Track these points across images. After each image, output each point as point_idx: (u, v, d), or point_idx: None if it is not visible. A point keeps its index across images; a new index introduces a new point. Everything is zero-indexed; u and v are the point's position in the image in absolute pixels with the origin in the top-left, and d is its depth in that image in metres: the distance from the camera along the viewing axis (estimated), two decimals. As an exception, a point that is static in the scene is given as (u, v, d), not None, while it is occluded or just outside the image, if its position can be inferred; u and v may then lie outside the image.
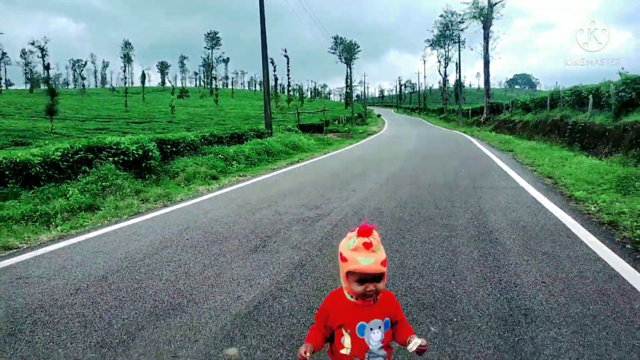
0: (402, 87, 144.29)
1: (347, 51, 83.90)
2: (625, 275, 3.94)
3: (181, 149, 13.31)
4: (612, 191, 7.68)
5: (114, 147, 10.11)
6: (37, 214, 7.17)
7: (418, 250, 4.80)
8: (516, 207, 6.78)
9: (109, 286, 3.99)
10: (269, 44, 20.61)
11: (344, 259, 1.60)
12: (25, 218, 7.01)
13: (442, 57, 72.27)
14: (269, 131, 20.28)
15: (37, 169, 8.77)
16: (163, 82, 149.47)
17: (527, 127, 24.78)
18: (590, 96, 17.00)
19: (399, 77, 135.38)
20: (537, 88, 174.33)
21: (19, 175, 8.62)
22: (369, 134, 34.75)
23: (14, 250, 5.35)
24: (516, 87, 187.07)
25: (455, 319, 3.18)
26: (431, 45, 71.75)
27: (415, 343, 1.62)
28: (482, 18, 40.07)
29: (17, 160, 8.68)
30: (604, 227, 5.59)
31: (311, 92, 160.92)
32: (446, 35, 66.43)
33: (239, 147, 15.64)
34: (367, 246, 1.54)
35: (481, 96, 57.42)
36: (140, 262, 4.63)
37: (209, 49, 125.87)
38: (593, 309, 3.28)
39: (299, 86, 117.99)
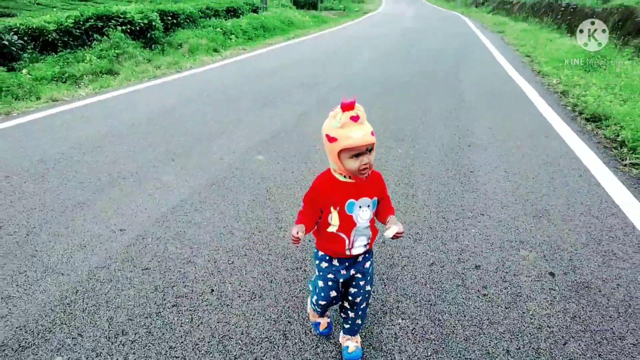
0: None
1: None
2: (557, 126, 5.12)
3: (181, 21, 13.69)
4: (578, 68, 8.64)
5: (121, 16, 10.63)
6: (66, 75, 8.07)
7: (399, 106, 5.93)
8: (488, 78, 7.83)
9: (155, 124, 5.13)
10: None
11: (332, 139, 1.53)
12: (55, 79, 7.92)
13: None
14: (264, 6, 20.25)
15: (53, 35, 9.41)
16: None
17: (523, 8, 24.65)
18: (586, -23, 17.00)
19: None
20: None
21: (36, 42, 9.30)
22: (365, 13, 34.07)
23: (61, 102, 6.37)
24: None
25: (417, 146, 4.40)
26: None
27: (392, 229, 1.62)
28: None
29: (34, 26, 9.29)
30: (556, 95, 6.68)
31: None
32: None
33: (235, 21, 15.94)
34: (355, 119, 1.49)
35: (483, -26, 54.57)
36: (174, 111, 5.74)
37: None
38: (521, 144, 4.50)
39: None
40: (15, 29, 8.82)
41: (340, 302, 1.87)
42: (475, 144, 4.48)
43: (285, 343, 1.95)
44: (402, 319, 2.10)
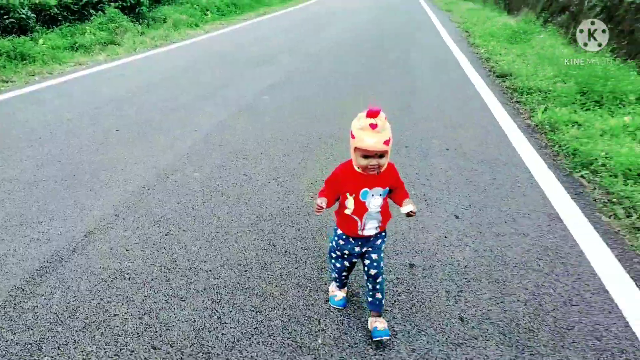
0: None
1: None
2: (475, 80, 7.04)
3: (160, -1, 14.94)
4: (504, 40, 10.66)
5: (114, -6, 11.90)
6: (77, 45, 9.43)
7: (360, 69, 7.76)
8: (431, 46, 9.77)
9: (178, 78, 6.77)
10: None
11: (353, 136, 1.75)
12: (67, 48, 9.27)
13: None
14: (233, -17, 21.46)
15: (55, 10, 10.64)
16: None
17: (473, -12, 26.75)
18: (524, -38, 19.07)
19: None
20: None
21: (38, 16, 10.50)
22: (326, -9, 35.52)
23: (85, 66, 7.83)
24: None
25: (374, 95, 6.24)
26: None
27: (407, 207, 1.88)
28: None
29: (37, 1, 10.49)
30: (480, 61, 8.65)
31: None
32: None
33: (209, -1, 17.24)
34: (373, 127, 1.68)
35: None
36: (188, 69, 7.38)
37: None
38: (449, 91, 6.40)
39: None
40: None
41: (366, 279, 2.07)
42: (418, 89, 6.37)
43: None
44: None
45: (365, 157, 1.77)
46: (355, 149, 1.79)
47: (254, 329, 2.07)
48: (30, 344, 1.93)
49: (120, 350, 1.92)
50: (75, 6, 11.14)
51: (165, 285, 2.33)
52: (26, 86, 6.36)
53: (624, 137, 4.51)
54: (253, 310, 2.18)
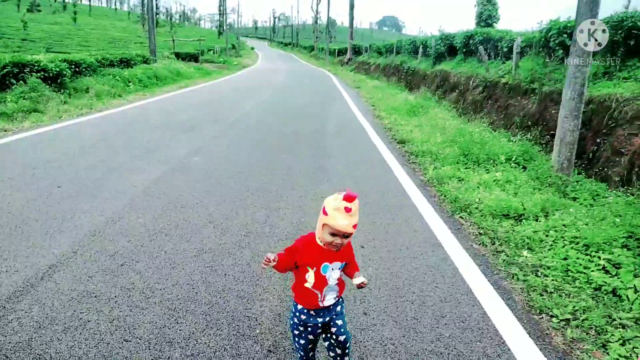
0: (276, 20, 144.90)
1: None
2: (379, 146, 8.17)
3: (82, 70, 15.29)
4: (404, 113, 12.23)
5: (36, 64, 12.16)
6: (-1, 113, 9.55)
7: (280, 137, 8.66)
8: (343, 118, 11.03)
9: (111, 142, 7.20)
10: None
11: (325, 213, 1.88)
12: (-12, 116, 9.36)
13: (314, -6, 74.98)
14: (154, 57, 22.27)
15: (-27, 79, 10.71)
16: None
17: (378, 69, 29.68)
18: (421, 47, 21.87)
19: (273, 9, 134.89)
20: (403, 31, 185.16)
21: (-44, 85, 10.52)
22: (244, 67, 37.51)
23: (11, 132, 8.03)
24: (384, 28, 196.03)
25: (292, 156, 7.10)
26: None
27: (359, 279, 2.05)
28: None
29: (-46, 70, 10.53)
30: (383, 129, 9.96)
31: (180, 17, 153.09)
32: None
33: (131, 71, 17.81)
34: (347, 210, 1.83)
35: (348, 37, 61.64)
36: (117, 135, 7.84)
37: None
38: (356, 154, 7.42)
39: (167, 9, 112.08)
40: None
41: (329, 349, 2.21)
42: (330, 156, 7.33)
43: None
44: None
45: (333, 235, 1.89)
46: (324, 225, 1.90)
47: (205, 325, 2.63)
48: (21, 342, 2.35)
49: (98, 343, 2.40)
50: (-5, 76, 11.25)
51: (127, 300, 2.82)
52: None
53: (494, 188, 5.64)
54: (203, 314, 2.74)
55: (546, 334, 2.81)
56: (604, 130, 6.96)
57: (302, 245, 2.03)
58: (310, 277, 2.00)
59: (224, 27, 69.78)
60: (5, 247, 3.47)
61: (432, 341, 2.64)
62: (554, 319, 2.96)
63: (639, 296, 3.19)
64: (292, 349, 2.42)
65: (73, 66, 14.69)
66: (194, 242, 3.75)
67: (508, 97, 11.23)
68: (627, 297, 3.22)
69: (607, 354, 2.63)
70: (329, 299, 2.07)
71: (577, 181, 5.92)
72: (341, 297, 2.18)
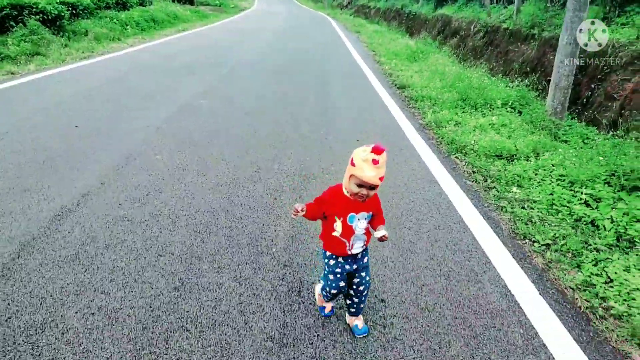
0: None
1: None
2: (379, 90, 8.35)
3: (79, 12, 15.09)
4: (405, 59, 12.28)
5: (34, 7, 12.03)
6: (2, 55, 9.60)
7: (281, 78, 8.82)
8: (344, 63, 11.10)
9: (113, 86, 7.38)
10: None
11: (353, 164, 1.91)
12: (-9, 58, 9.42)
13: None
14: (150, 0, 21.81)
15: (-28, 21, 10.65)
16: None
17: (378, 13, 29.10)
18: (422, -10, 21.39)
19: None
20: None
21: (-46, 26, 10.47)
22: (242, 10, 36.58)
23: (19, 75, 8.16)
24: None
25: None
26: None
27: (380, 232, 2.06)
28: None
29: (-48, 11, 10.45)
30: (384, 75, 10.08)
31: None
32: None
33: (128, 14, 17.53)
34: (375, 162, 1.85)
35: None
36: (122, 78, 7.99)
37: None
38: (358, 96, 7.63)
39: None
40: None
41: (347, 296, 2.30)
42: (331, 101, 7.53)
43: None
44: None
45: (359, 185, 1.93)
46: (352, 176, 1.94)
47: (228, 244, 2.99)
48: (69, 255, 2.72)
49: (137, 257, 2.75)
50: (-6, 18, 11.17)
51: (156, 224, 3.17)
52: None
53: (489, 131, 5.91)
54: (225, 236, 3.09)
55: (528, 256, 3.18)
56: (598, 76, 7.14)
57: (329, 196, 2.08)
58: (337, 226, 2.07)
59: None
60: (38, 178, 3.77)
61: (426, 260, 3.00)
62: (535, 244, 3.33)
63: (615, 225, 3.55)
64: (317, 288, 2.48)
65: (70, 8, 14.53)
66: (210, 176, 4.06)
67: (508, 43, 11.26)
68: (604, 226, 3.58)
69: (581, 272, 3.00)
70: (357, 248, 2.14)
71: (569, 125, 6.18)
72: (367, 248, 2.25)
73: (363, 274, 2.23)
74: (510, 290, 2.75)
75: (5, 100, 6.31)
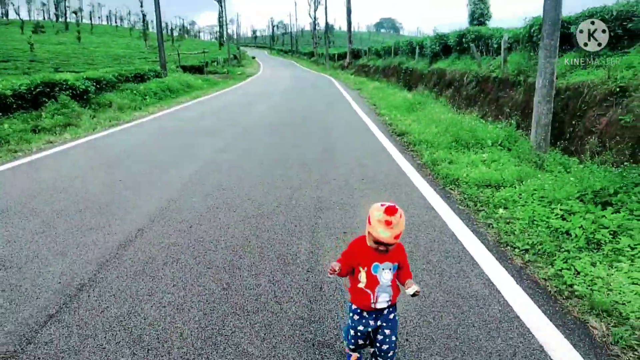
0: (275, 28, 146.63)
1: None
2: (381, 138, 9.20)
3: (103, 86, 16.48)
4: (404, 110, 13.27)
5: (64, 83, 13.33)
6: (38, 128, 10.67)
7: (290, 132, 9.73)
8: (346, 117, 12.10)
9: (145, 148, 8.29)
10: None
11: (370, 222, 1.98)
12: (31, 131, 10.48)
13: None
14: (165, 71, 23.47)
15: (10, 99, 11.85)
16: (6, 14, 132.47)
17: (378, 70, 30.75)
18: (417, 47, 22.88)
19: (271, 18, 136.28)
20: (401, 32, 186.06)
21: (-6, 105, 11.63)
22: (248, 76, 38.68)
23: (57, 143, 9.14)
24: (382, 30, 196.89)
25: (306, 147, 8.15)
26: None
27: (412, 288, 2.03)
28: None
29: (-6, 91, 11.66)
30: (385, 125, 11.00)
31: (179, 30, 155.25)
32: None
33: (146, 85, 19.00)
34: (388, 223, 1.90)
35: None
36: (151, 141, 8.92)
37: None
38: (363, 146, 8.46)
39: (167, 24, 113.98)
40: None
41: (372, 350, 2.27)
42: (338, 147, 8.38)
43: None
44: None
45: (376, 242, 2.01)
46: (369, 233, 2.01)
47: (260, 259, 3.67)
48: (138, 271, 3.44)
49: (190, 270, 3.46)
50: (29, 95, 12.41)
51: (200, 247, 3.89)
52: (22, 157, 7.61)
53: (481, 166, 6.66)
54: (258, 254, 3.79)
55: (509, 258, 3.84)
56: (578, 113, 7.96)
57: (354, 247, 2.15)
58: (362, 277, 2.10)
59: (224, 39, 70.90)
60: (99, 219, 4.55)
61: (423, 264, 3.67)
62: (516, 249, 3.98)
63: (584, 232, 4.20)
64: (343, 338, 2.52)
65: (95, 83, 15.92)
66: (239, 212, 4.81)
67: (498, 90, 12.24)
68: (575, 234, 4.22)
69: (553, 267, 3.64)
70: (382, 302, 2.13)
71: (553, 157, 6.92)
72: (395, 305, 2.23)
73: (387, 331, 2.18)
74: (492, 282, 3.39)
75: (53, 163, 7.20)
